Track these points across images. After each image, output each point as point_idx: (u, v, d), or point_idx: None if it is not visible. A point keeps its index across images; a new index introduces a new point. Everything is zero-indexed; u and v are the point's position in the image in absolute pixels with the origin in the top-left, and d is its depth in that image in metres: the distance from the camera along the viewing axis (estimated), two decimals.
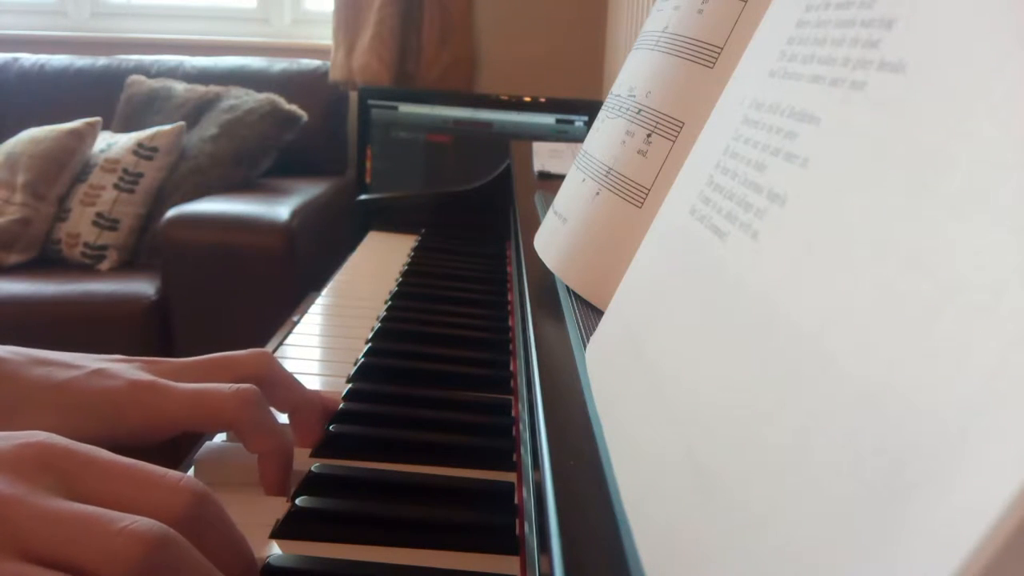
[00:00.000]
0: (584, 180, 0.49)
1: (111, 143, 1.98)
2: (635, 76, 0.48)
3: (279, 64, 2.23)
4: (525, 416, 0.43)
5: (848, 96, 0.24)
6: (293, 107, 2.05)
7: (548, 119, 2.02)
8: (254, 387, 0.42)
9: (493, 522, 0.40)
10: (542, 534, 0.29)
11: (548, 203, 0.56)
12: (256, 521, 0.39)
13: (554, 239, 0.50)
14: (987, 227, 0.16)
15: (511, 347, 0.63)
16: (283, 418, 0.47)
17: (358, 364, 0.58)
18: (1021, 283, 0.15)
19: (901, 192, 0.20)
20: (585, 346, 0.39)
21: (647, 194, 0.43)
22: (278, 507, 0.40)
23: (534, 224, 0.59)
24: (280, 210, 1.74)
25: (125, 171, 1.93)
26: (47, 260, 1.92)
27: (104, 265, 1.88)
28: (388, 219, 1.06)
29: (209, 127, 2.01)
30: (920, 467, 0.15)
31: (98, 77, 2.24)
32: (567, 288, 0.48)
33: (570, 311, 0.46)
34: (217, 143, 1.97)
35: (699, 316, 0.27)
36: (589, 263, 0.46)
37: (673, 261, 0.32)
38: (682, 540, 0.22)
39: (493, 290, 0.79)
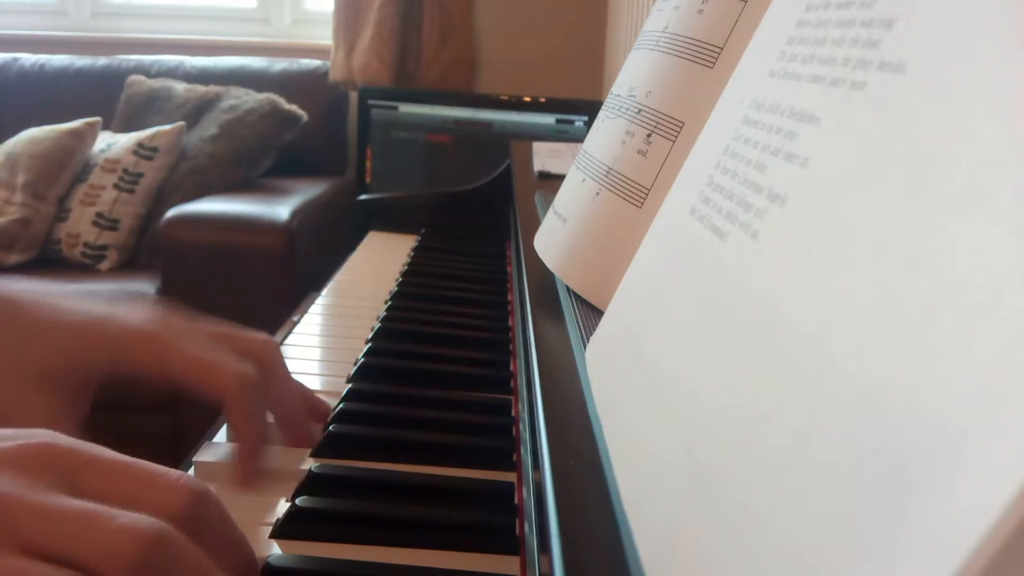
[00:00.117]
0: (584, 180, 0.49)
1: (111, 143, 1.98)
2: (635, 76, 0.48)
3: (279, 64, 2.23)
4: (525, 416, 0.43)
5: (848, 96, 0.24)
6: (293, 107, 2.05)
7: (548, 119, 2.02)
8: (257, 373, 0.43)
9: (493, 522, 0.40)
10: (542, 534, 0.29)
11: (548, 203, 0.56)
12: (256, 521, 0.39)
13: (554, 239, 0.50)
14: (987, 227, 0.16)
15: (511, 347, 0.63)
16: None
17: (358, 364, 0.58)
18: (1021, 283, 0.15)
19: (901, 192, 0.20)
20: (585, 346, 0.39)
21: (647, 194, 0.43)
22: (278, 507, 0.40)
23: (534, 224, 0.59)
24: (280, 210, 1.74)
25: (125, 171, 1.93)
26: (47, 260, 1.92)
27: (104, 265, 1.88)
28: (388, 219, 1.06)
29: (209, 127, 2.01)
30: (920, 467, 0.15)
31: (98, 77, 2.24)
32: (567, 288, 0.48)
33: (570, 311, 0.46)
34: (217, 143, 1.97)
35: (699, 316, 0.27)
36: (589, 263, 0.46)
37: (673, 261, 0.32)
38: (682, 540, 0.22)
39: (493, 290, 0.79)
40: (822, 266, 0.21)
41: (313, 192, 1.95)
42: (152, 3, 2.52)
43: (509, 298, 0.76)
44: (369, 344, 0.61)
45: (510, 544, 0.39)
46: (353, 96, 2.20)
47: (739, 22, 0.41)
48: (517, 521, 0.40)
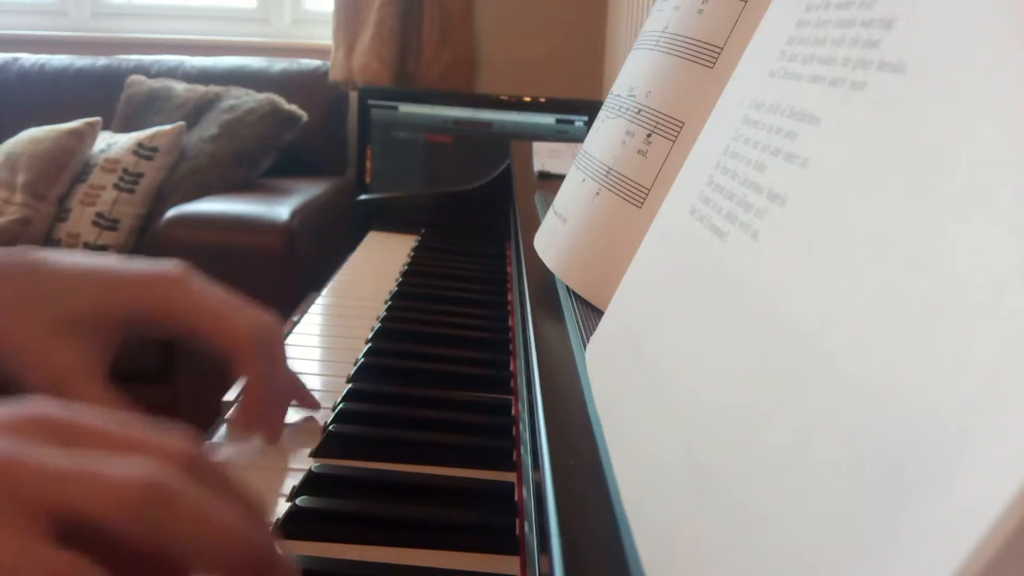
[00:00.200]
0: (584, 180, 0.49)
1: (111, 143, 1.98)
2: (635, 76, 0.48)
3: (279, 64, 2.23)
4: (525, 416, 0.43)
5: (848, 96, 0.24)
6: (293, 107, 2.04)
7: (548, 119, 2.02)
8: (276, 322, 0.45)
9: (493, 522, 0.40)
10: (542, 534, 0.29)
11: (548, 203, 0.56)
12: None
13: (554, 239, 0.50)
14: (987, 227, 0.16)
15: (511, 347, 0.63)
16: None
17: (358, 364, 0.58)
18: (1021, 283, 0.15)
19: (901, 192, 0.20)
20: (585, 346, 0.39)
21: (647, 194, 0.43)
22: (278, 507, 0.40)
23: (534, 224, 0.59)
24: (280, 210, 1.74)
25: (125, 171, 1.93)
26: None
27: None
28: (388, 219, 1.06)
29: (209, 127, 2.01)
30: (920, 467, 0.15)
31: (98, 77, 2.24)
32: (567, 288, 0.48)
33: (570, 311, 0.46)
34: (217, 143, 1.97)
35: (699, 316, 0.27)
36: (589, 263, 0.46)
37: (673, 261, 0.32)
38: (682, 540, 0.22)
39: (493, 290, 0.79)
40: (822, 266, 0.21)
41: (313, 192, 1.94)
42: (152, 3, 2.52)
43: (509, 298, 0.76)
44: (369, 344, 0.61)
45: (510, 544, 0.39)
46: (353, 96, 2.20)
47: (739, 22, 0.41)
48: (517, 521, 0.40)
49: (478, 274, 0.85)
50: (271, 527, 0.34)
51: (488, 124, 2.05)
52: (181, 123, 1.98)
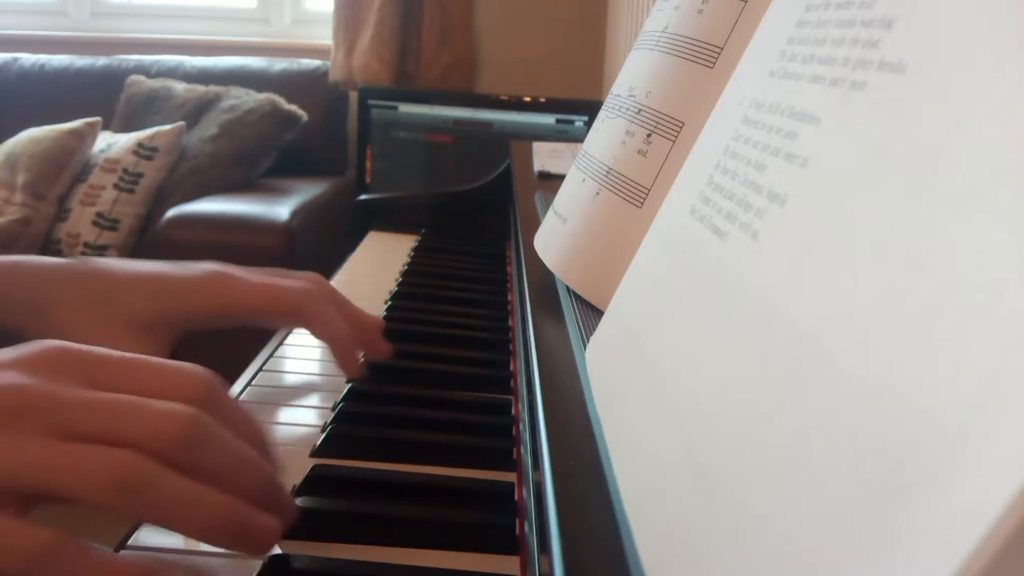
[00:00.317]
0: (584, 180, 0.49)
1: (111, 143, 1.98)
2: (635, 76, 0.48)
3: (279, 64, 2.23)
4: (525, 416, 0.43)
5: (848, 96, 0.24)
6: (293, 107, 2.05)
7: (548, 119, 2.02)
8: (321, 279, 0.50)
9: (493, 522, 0.40)
10: (542, 534, 0.29)
11: (548, 203, 0.56)
12: None
13: (554, 239, 0.50)
14: (987, 227, 0.16)
15: (511, 347, 0.63)
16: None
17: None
18: (1021, 283, 0.15)
19: (901, 192, 0.20)
20: (585, 346, 0.39)
21: (647, 194, 0.43)
22: None
23: (534, 224, 0.59)
24: (280, 210, 1.74)
25: (125, 171, 1.93)
26: None
27: None
28: (388, 219, 1.06)
29: (209, 127, 2.01)
30: (920, 467, 0.15)
31: (98, 77, 2.24)
32: (567, 288, 0.48)
33: (570, 311, 0.46)
34: (217, 143, 1.97)
35: (699, 316, 0.27)
36: (589, 263, 0.46)
37: (673, 261, 0.32)
38: (682, 540, 0.22)
39: (493, 290, 0.79)
40: (822, 266, 0.21)
41: (313, 192, 1.95)
42: (152, 3, 2.52)
43: (509, 298, 0.76)
44: None
45: (510, 544, 0.39)
46: (353, 96, 2.20)
47: (739, 22, 0.41)
48: (517, 521, 0.40)
49: (478, 274, 0.85)
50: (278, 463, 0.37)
51: (488, 124, 2.05)
52: (181, 123, 1.98)
